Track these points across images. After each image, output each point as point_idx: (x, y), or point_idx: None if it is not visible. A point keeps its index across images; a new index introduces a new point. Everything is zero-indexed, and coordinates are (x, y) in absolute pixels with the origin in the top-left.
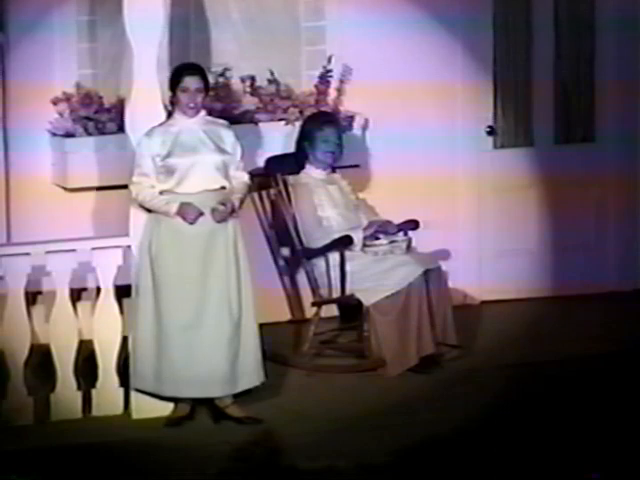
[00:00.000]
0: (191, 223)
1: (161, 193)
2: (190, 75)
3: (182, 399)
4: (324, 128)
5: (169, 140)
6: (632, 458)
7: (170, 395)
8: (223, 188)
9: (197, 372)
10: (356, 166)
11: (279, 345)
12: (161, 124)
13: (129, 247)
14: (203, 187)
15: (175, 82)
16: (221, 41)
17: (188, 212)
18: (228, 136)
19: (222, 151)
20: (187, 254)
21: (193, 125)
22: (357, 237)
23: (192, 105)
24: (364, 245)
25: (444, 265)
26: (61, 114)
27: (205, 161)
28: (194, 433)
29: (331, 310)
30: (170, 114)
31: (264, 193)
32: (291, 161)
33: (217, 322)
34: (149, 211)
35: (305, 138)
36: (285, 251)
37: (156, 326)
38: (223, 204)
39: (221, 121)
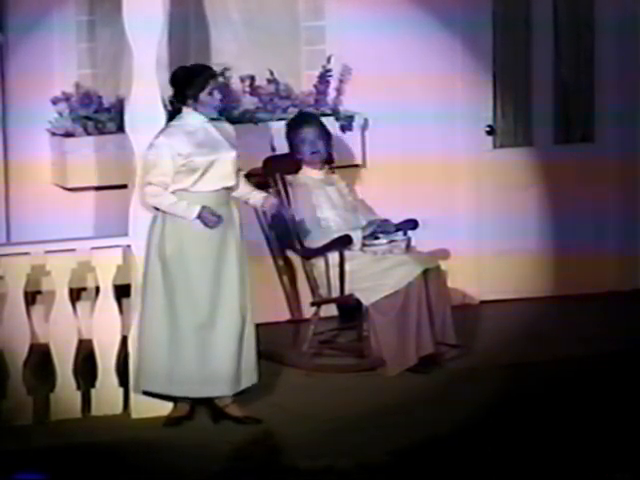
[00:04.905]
0: (211, 228)
1: (173, 192)
2: (214, 77)
3: (182, 398)
4: (301, 131)
5: (189, 139)
6: (632, 458)
7: (183, 395)
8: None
9: (210, 371)
10: (356, 166)
11: (278, 345)
12: (174, 124)
13: (129, 247)
14: (222, 185)
15: (200, 84)
16: (221, 41)
17: (209, 218)
18: (232, 131)
19: (235, 147)
20: (203, 253)
21: (204, 123)
22: (356, 237)
23: (218, 106)
24: (363, 245)
25: (443, 264)
26: (61, 114)
27: (224, 159)
28: (194, 433)
29: (330, 310)
30: (171, 113)
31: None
32: (289, 161)
33: (229, 320)
34: (157, 209)
35: (290, 146)
36: (284, 251)
37: (169, 327)
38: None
39: (220, 117)
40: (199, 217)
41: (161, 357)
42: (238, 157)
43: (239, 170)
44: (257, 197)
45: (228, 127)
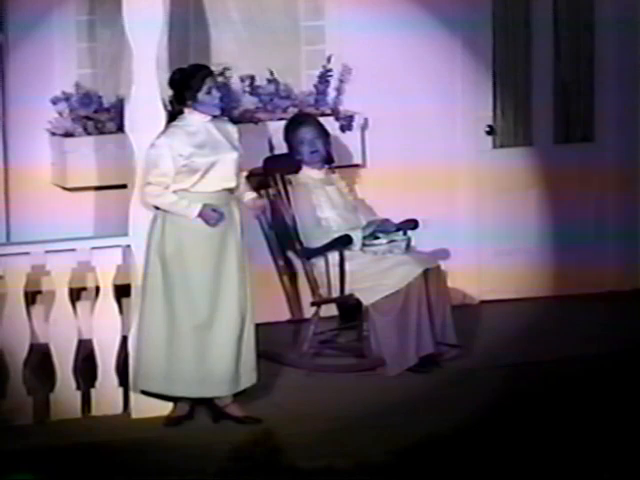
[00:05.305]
0: (213, 226)
1: (174, 192)
2: (210, 76)
3: (182, 398)
4: (297, 132)
5: (190, 140)
6: (632, 458)
7: (182, 395)
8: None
9: (208, 371)
10: (356, 166)
11: (278, 345)
12: (175, 124)
13: (129, 247)
14: (222, 186)
15: (196, 85)
16: (220, 41)
17: (211, 215)
18: (234, 132)
19: (236, 148)
20: (202, 254)
21: (207, 124)
22: (356, 236)
23: (219, 103)
24: (363, 245)
25: (443, 264)
26: (60, 114)
27: (226, 160)
28: (194, 433)
29: (330, 310)
30: (172, 114)
31: (263, 193)
32: (289, 161)
33: (228, 321)
34: (157, 209)
35: (289, 147)
36: (284, 251)
37: (168, 326)
38: (257, 198)
39: (223, 118)
40: (200, 215)
41: (160, 357)
42: (240, 158)
43: (241, 171)
44: (247, 198)
45: (231, 128)
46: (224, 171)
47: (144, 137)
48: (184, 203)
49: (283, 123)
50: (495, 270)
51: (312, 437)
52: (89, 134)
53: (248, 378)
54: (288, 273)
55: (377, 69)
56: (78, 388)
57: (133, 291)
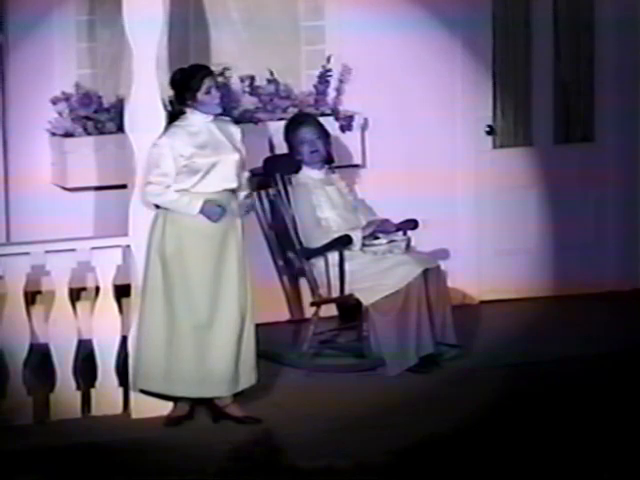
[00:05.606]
0: (215, 221)
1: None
2: (209, 76)
3: (182, 398)
4: (297, 132)
5: (192, 140)
6: (632, 458)
7: (182, 395)
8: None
9: (208, 371)
10: (356, 166)
11: (278, 345)
12: (177, 124)
13: (128, 247)
14: (223, 186)
15: (195, 85)
16: (220, 41)
17: (213, 211)
18: (237, 133)
19: (238, 150)
20: (203, 254)
21: (209, 124)
22: (356, 236)
23: (219, 102)
24: (363, 245)
25: (443, 264)
26: (60, 114)
27: (227, 160)
28: (194, 433)
29: (330, 310)
30: (171, 114)
31: (263, 193)
32: (289, 161)
33: (228, 321)
34: (157, 208)
35: (289, 148)
36: (284, 251)
37: (168, 326)
38: (247, 196)
39: (226, 118)
40: (202, 211)
41: (159, 357)
42: (243, 159)
43: (244, 172)
44: (240, 197)
45: (233, 129)
46: (225, 172)
47: (144, 137)
48: (185, 200)
49: (283, 123)
50: (495, 270)
51: (312, 437)
52: (89, 134)
53: (248, 378)
54: (288, 273)
55: (377, 69)
56: (78, 388)
57: (133, 291)
